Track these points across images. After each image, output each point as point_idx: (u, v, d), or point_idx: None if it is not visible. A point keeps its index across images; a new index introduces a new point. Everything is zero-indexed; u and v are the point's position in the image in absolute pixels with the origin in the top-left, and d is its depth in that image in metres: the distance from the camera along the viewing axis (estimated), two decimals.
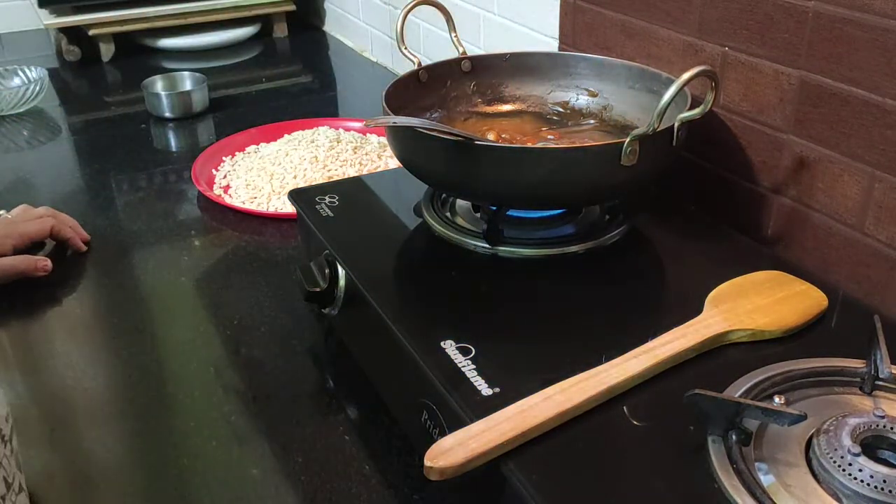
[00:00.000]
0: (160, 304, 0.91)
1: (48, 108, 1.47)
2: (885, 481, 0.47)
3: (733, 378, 0.57)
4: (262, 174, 1.13)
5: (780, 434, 0.52)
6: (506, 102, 0.94)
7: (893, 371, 0.56)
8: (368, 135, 1.24)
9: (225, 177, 1.17)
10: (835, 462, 0.48)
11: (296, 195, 0.87)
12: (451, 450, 0.51)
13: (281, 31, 1.81)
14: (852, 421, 0.50)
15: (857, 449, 0.48)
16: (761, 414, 0.51)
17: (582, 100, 0.92)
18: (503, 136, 0.87)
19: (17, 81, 1.49)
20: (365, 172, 1.11)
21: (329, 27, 1.87)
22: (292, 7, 1.79)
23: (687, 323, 0.62)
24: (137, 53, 1.72)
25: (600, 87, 0.90)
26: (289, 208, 1.04)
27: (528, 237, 0.76)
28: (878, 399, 0.56)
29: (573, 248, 0.74)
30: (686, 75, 0.65)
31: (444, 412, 0.57)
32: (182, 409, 0.74)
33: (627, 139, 0.66)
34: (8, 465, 0.53)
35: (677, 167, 0.76)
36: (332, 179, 1.10)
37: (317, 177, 1.11)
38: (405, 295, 0.72)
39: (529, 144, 0.85)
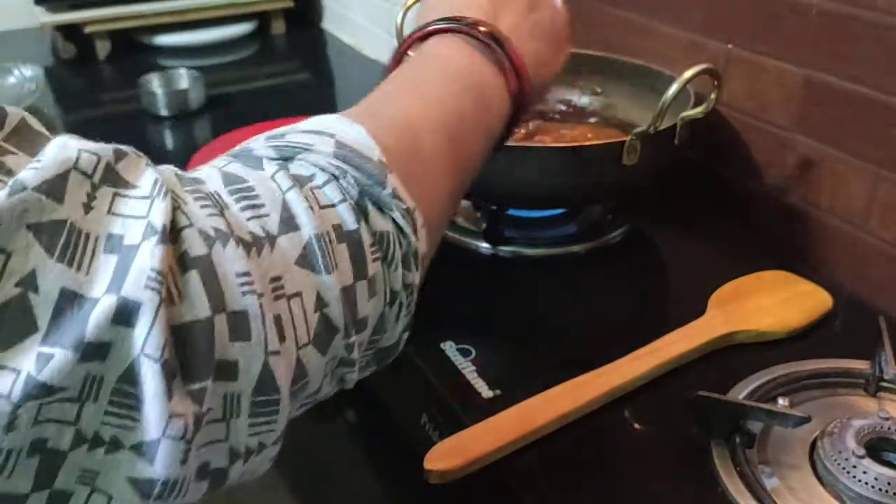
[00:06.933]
0: None
1: (43, 107, 1.46)
2: (889, 483, 0.46)
3: (737, 380, 0.56)
4: None
5: (784, 436, 0.52)
6: None
7: None
8: None
9: None
10: (839, 464, 0.48)
11: None
12: (452, 453, 0.50)
13: (278, 27, 1.80)
14: (857, 423, 0.50)
15: (862, 451, 0.48)
16: (765, 416, 0.51)
17: (584, 98, 0.91)
18: None
19: (11, 80, 1.48)
20: None
21: (327, 24, 1.86)
22: (290, 3, 1.77)
23: (690, 324, 0.62)
24: (133, 51, 1.71)
25: (603, 85, 0.90)
26: None
27: (529, 237, 0.75)
28: (882, 400, 0.56)
29: (574, 248, 0.73)
30: (688, 73, 0.64)
31: (444, 414, 0.57)
32: None
33: (629, 137, 0.66)
34: None
35: (680, 166, 0.76)
36: None
37: None
38: None
39: (530, 143, 0.84)
